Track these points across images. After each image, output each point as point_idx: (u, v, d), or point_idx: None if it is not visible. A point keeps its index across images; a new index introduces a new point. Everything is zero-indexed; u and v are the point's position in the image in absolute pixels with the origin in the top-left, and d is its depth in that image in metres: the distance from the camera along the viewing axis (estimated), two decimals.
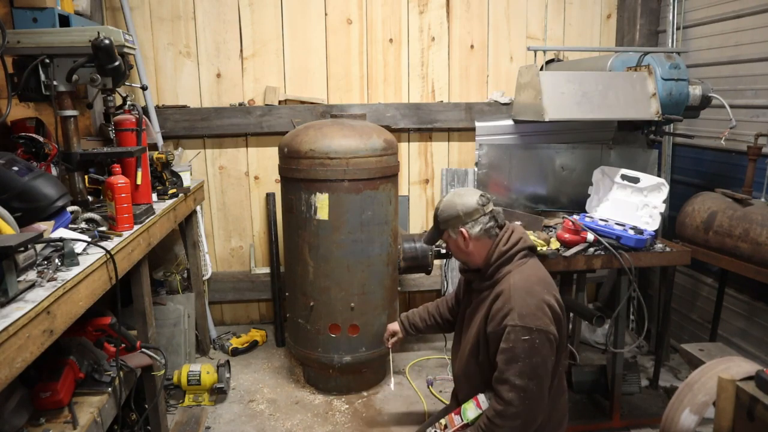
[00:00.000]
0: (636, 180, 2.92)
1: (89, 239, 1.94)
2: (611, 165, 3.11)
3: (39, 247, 1.74)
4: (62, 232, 1.93)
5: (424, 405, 3.11)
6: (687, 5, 3.55)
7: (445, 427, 2.13)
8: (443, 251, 3.25)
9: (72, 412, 1.87)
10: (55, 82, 2.23)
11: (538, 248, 2.56)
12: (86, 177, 2.51)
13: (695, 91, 3.00)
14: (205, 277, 3.76)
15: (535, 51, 3.15)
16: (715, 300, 3.13)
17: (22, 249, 1.54)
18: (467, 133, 3.98)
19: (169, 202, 2.79)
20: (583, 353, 3.58)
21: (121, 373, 2.11)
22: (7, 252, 1.42)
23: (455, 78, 3.99)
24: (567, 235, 2.70)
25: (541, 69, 3.24)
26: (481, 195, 2.05)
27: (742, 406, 1.56)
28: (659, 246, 2.78)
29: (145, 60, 3.66)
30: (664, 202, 2.84)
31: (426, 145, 4.06)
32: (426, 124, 3.93)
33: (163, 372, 2.44)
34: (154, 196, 2.78)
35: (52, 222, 1.93)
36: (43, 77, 2.22)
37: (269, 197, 3.91)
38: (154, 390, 2.48)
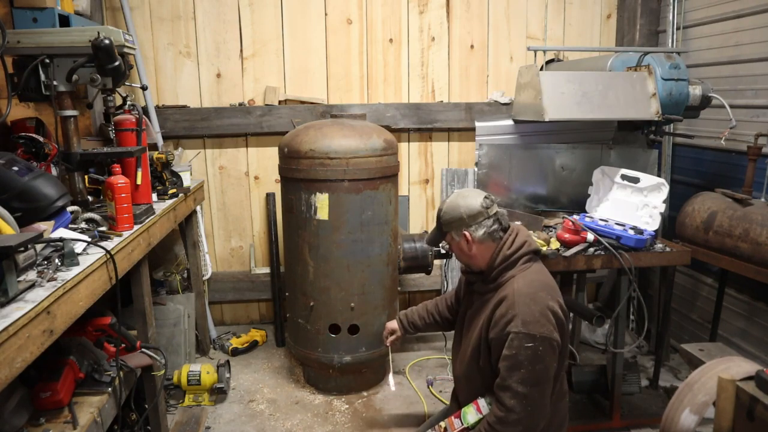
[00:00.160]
0: (636, 180, 2.91)
1: (89, 239, 1.94)
2: (611, 165, 3.11)
3: (39, 247, 1.74)
4: (62, 232, 1.93)
5: (424, 405, 3.11)
6: (687, 5, 3.55)
7: (445, 429, 2.12)
8: (443, 251, 3.25)
9: (72, 412, 1.87)
10: (55, 82, 2.23)
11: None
12: (86, 177, 2.51)
13: (695, 91, 3.00)
14: (205, 277, 3.76)
15: (535, 51, 3.15)
16: (715, 300, 3.13)
17: (22, 249, 1.54)
18: (467, 133, 3.98)
19: (169, 202, 2.79)
20: (583, 353, 3.58)
21: (121, 373, 2.11)
22: (7, 252, 1.42)
23: (455, 78, 3.99)
24: (567, 235, 2.70)
25: (541, 69, 3.24)
26: (486, 197, 2.00)
27: (742, 406, 1.56)
28: (659, 246, 2.78)
29: (145, 60, 3.66)
30: (664, 202, 2.84)
31: (426, 145, 4.06)
32: (426, 124, 3.93)
33: (163, 372, 2.44)
34: (154, 196, 2.78)
35: (52, 222, 1.93)
36: (43, 77, 2.22)
37: (269, 197, 3.91)
38: (154, 390, 2.48)
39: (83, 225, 2.15)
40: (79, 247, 1.84)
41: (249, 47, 3.78)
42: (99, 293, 1.84)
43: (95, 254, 1.86)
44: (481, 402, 2.00)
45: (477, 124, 3.28)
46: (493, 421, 1.88)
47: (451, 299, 2.44)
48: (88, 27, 2.48)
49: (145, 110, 3.41)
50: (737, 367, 1.95)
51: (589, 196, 3.12)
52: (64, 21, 2.62)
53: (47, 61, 2.20)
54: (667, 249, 2.76)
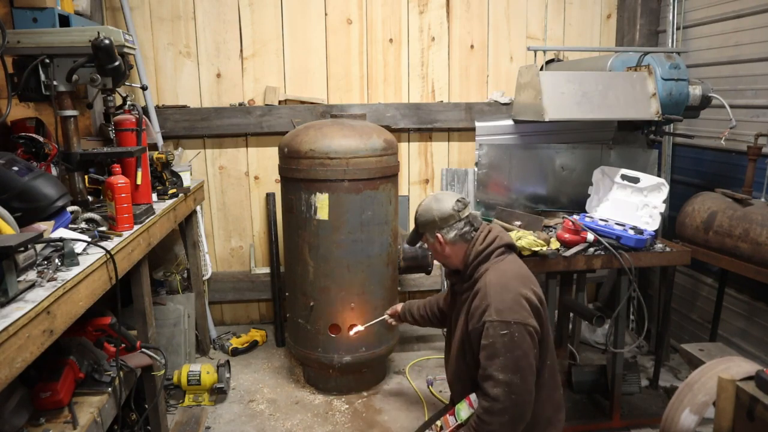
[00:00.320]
0: (636, 180, 2.92)
1: (89, 239, 1.94)
2: (611, 165, 3.11)
3: (39, 247, 1.74)
4: (62, 232, 1.93)
5: (424, 405, 3.11)
6: (687, 5, 3.55)
7: (441, 428, 2.14)
8: None
9: (72, 412, 1.87)
10: (55, 82, 2.23)
11: (538, 248, 2.56)
12: (86, 177, 2.51)
13: (695, 91, 3.00)
14: (205, 277, 3.76)
15: (535, 51, 3.15)
16: (715, 300, 3.13)
17: (22, 249, 1.54)
18: (467, 133, 3.98)
19: (169, 202, 2.79)
20: (583, 353, 3.58)
21: (121, 373, 2.11)
22: (7, 252, 1.42)
23: (455, 78, 3.99)
24: (567, 235, 2.70)
25: (541, 69, 3.24)
26: (458, 200, 2.09)
27: (742, 406, 1.56)
28: (659, 246, 2.78)
29: (145, 60, 3.66)
30: (664, 202, 2.84)
31: (426, 145, 4.06)
32: (426, 124, 3.93)
33: (163, 372, 2.44)
34: (154, 196, 2.78)
35: (52, 222, 1.93)
36: (43, 77, 2.22)
37: (269, 197, 3.91)
38: (154, 390, 2.48)
39: (83, 225, 2.15)
40: (79, 247, 1.84)
41: (249, 47, 3.78)
42: (99, 293, 1.84)
43: (95, 254, 1.86)
44: (473, 397, 2.02)
45: (477, 124, 3.29)
46: (480, 413, 1.91)
47: (446, 298, 2.47)
48: (88, 27, 2.48)
49: (145, 110, 3.41)
50: (737, 367, 1.95)
51: (589, 196, 3.12)
52: (64, 21, 2.62)
53: (47, 61, 2.20)
54: (667, 249, 2.76)
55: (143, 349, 2.28)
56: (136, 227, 2.21)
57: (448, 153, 4.09)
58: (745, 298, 3.12)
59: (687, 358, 2.92)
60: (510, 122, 3.28)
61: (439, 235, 2.08)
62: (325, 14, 3.80)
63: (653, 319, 3.58)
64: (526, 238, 2.59)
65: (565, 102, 2.81)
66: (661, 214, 2.85)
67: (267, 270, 4.02)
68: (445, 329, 2.66)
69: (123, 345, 2.19)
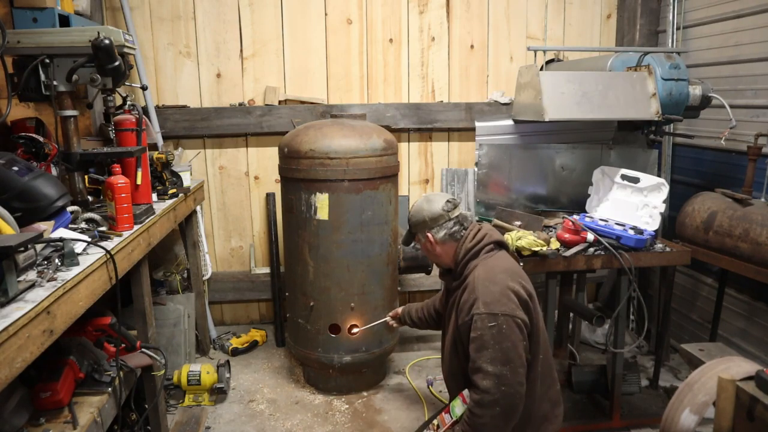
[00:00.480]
0: (636, 180, 2.92)
1: (89, 239, 1.94)
2: (611, 165, 3.11)
3: (39, 247, 1.74)
4: (62, 232, 1.93)
5: (424, 405, 3.11)
6: (687, 5, 3.55)
7: (438, 427, 2.14)
8: None
9: (72, 412, 1.87)
10: (55, 82, 2.23)
11: (538, 248, 2.56)
12: (86, 177, 2.51)
13: (695, 91, 3.00)
14: (205, 277, 3.76)
15: (535, 51, 3.15)
16: (715, 300, 3.13)
17: (22, 249, 1.54)
18: (467, 133, 3.98)
19: (169, 202, 2.79)
20: (583, 353, 3.58)
21: (121, 373, 2.11)
22: (7, 252, 1.42)
23: (455, 78, 3.99)
24: (567, 235, 2.70)
25: (541, 69, 3.24)
26: (448, 201, 2.13)
27: (742, 406, 1.56)
28: (659, 246, 2.78)
29: (145, 60, 3.66)
30: (664, 202, 2.84)
31: (426, 145, 4.06)
32: (426, 124, 3.93)
33: (163, 372, 2.44)
34: (154, 196, 2.78)
35: (52, 222, 1.93)
36: (43, 77, 2.22)
37: (269, 197, 3.91)
38: (154, 390, 2.48)
39: (83, 225, 2.15)
40: (79, 247, 1.84)
41: (249, 47, 3.78)
42: (99, 293, 1.84)
43: (95, 254, 1.86)
44: (467, 393, 2.03)
45: (477, 124, 3.29)
46: (472, 406, 1.92)
47: (442, 298, 2.48)
48: (88, 27, 2.48)
49: (145, 110, 3.41)
50: (737, 367, 1.95)
51: (589, 196, 3.12)
52: (64, 21, 2.62)
53: (47, 61, 2.20)
54: (667, 249, 2.76)
55: (143, 349, 2.28)
56: (136, 227, 2.21)
57: (448, 153, 4.09)
58: (745, 298, 3.12)
59: (687, 358, 2.92)
60: (510, 122, 3.28)
61: (429, 234, 2.13)
62: (325, 14, 3.80)
63: (653, 319, 3.57)
64: (526, 238, 2.59)
65: (565, 102, 2.81)
66: (661, 214, 2.85)
67: (267, 270, 4.02)
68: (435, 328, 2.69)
69: (123, 345, 2.19)
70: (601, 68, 3.18)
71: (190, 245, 3.51)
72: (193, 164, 3.67)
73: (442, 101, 3.99)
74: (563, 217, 2.88)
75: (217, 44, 3.76)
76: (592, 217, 2.92)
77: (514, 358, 1.88)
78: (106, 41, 2.11)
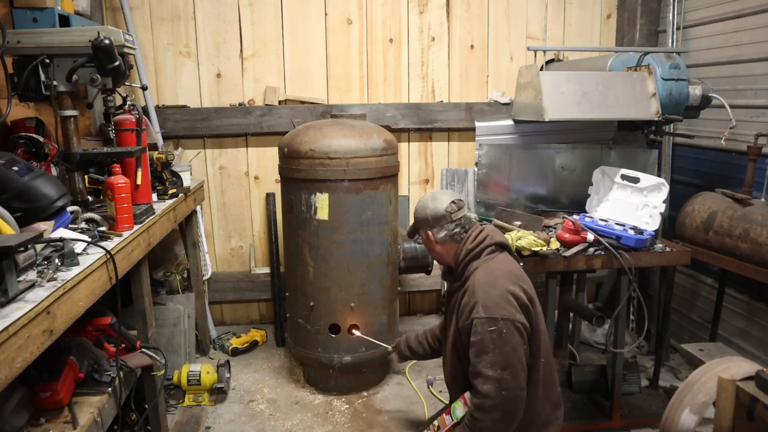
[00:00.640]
0: (636, 180, 2.92)
1: (89, 239, 1.94)
2: (611, 165, 3.11)
3: (39, 247, 1.74)
4: (62, 232, 1.93)
5: (424, 405, 3.11)
6: (687, 5, 3.55)
7: (438, 428, 2.14)
8: None
9: (72, 412, 1.87)
10: (55, 82, 2.23)
11: (538, 249, 2.56)
12: (86, 177, 2.51)
13: (695, 91, 3.00)
14: (205, 277, 3.76)
15: (535, 51, 3.15)
16: (715, 300, 3.13)
17: (22, 249, 1.54)
18: (467, 133, 3.98)
19: (169, 202, 2.79)
20: (583, 353, 3.58)
21: (121, 373, 2.11)
22: (7, 252, 1.42)
23: (455, 78, 3.99)
24: (567, 235, 2.70)
25: (541, 69, 3.24)
26: (452, 201, 2.10)
27: (742, 406, 1.56)
28: (659, 246, 2.78)
29: (145, 60, 3.66)
30: (664, 202, 2.84)
31: (426, 145, 4.06)
32: (426, 124, 3.93)
33: (163, 372, 2.44)
34: (154, 196, 2.78)
35: (52, 222, 1.93)
36: (43, 77, 2.22)
37: (269, 197, 3.91)
38: (154, 390, 2.48)
39: (83, 225, 2.15)
40: (79, 247, 1.84)
41: (249, 47, 3.78)
42: (99, 293, 1.84)
43: (95, 254, 1.86)
44: (468, 395, 2.03)
45: (477, 124, 3.29)
46: (472, 411, 1.92)
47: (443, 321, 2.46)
48: (88, 27, 2.48)
49: (145, 110, 3.41)
50: (737, 367, 1.95)
51: (589, 196, 3.12)
52: (64, 21, 2.62)
53: (47, 61, 2.20)
54: (667, 249, 2.76)
55: (143, 349, 2.28)
56: (136, 227, 2.21)
57: (448, 153, 4.09)
58: (745, 298, 3.12)
59: (687, 358, 2.92)
60: (510, 122, 3.28)
61: (430, 233, 2.13)
62: (325, 14, 3.80)
63: (653, 319, 3.57)
64: (526, 238, 2.59)
65: (565, 102, 2.81)
66: (661, 214, 2.85)
67: (267, 270, 4.02)
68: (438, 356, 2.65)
69: (123, 345, 2.19)
70: (601, 68, 3.18)
71: (190, 245, 3.51)
72: (193, 164, 3.67)
73: (442, 101, 3.99)
74: (563, 217, 2.88)
75: (217, 44, 3.76)
76: (592, 217, 2.92)
77: (514, 362, 1.87)
78: (106, 41, 2.11)
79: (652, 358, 3.44)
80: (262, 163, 3.94)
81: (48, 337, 1.48)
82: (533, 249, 2.56)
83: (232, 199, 3.98)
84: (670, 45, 3.61)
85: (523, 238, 2.59)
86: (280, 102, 3.84)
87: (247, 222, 4.02)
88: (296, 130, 3.10)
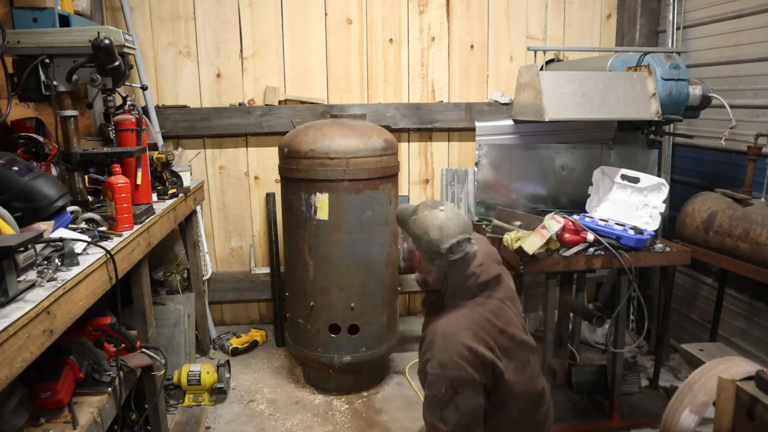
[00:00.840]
0: (636, 180, 2.91)
1: (89, 239, 1.94)
2: (611, 165, 3.11)
3: (39, 247, 1.74)
4: (62, 232, 1.93)
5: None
6: (687, 5, 3.55)
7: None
8: None
9: (72, 412, 1.87)
10: (55, 82, 2.23)
11: (536, 250, 2.55)
12: (86, 177, 2.51)
13: (695, 91, 3.00)
14: (205, 277, 3.76)
15: (535, 51, 3.15)
16: (715, 300, 3.13)
17: (22, 249, 1.54)
18: (467, 133, 3.98)
19: (169, 202, 2.79)
20: (583, 353, 3.58)
21: (121, 373, 2.11)
22: (7, 252, 1.42)
23: (455, 78, 3.99)
24: (567, 235, 2.69)
25: (541, 69, 3.24)
26: (459, 242, 1.77)
27: (742, 406, 1.56)
28: (659, 246, 2.78)
29: (145, 60, 3.66)
30: (664, 202, 2.84)
31: (426, 145, 4.06)
32: (426, 124, 3.93)
33: (163, 372, 2.44)
34: (154, 196, 2.78)
35: (52, 222, 1.93)
36: (43, 77, 2.22)
37: (269, 197, 3.91)
38: (154, 390, 2.48)
39: (83, 225, 2.15)
40: (79, 247, 1.84)
41: (249, 47, 3.78)
42: (99, 293, 1.84)
43: (95, 254, 1.86)
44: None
45: (477, 124, 3.29)
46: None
47: None
48: (88, 27, 2.48)
49: (145, 110, 3.41)
50: (737, 367, 1.95)
51: (589, 196, 3.12)
52: (64, 21, 2.62)
53: (47, 61, 2.20)
54: (667, 249, 2.76)
55: (143, 349, 2.28)
56: (136, 227, 2.21)
57: (448, 153, 4.09)
58: (745, 298, 3.12)
59: (687, 358, 2.92)
60: (510, 122, 3.28)
61: (417, 253, 1.88)
62: (325, 14, 3.80)
63: (653, 319, 3.57)
64: (526, 239, 2.58)
65: (565, 102, 2.81)
66: (661, 214, 2.85)
67: (267, 270, 4.02)
68: None
69: (123, 345, 2.19)
70: (601, 68, 3.18)
71: (190, 245, 3.51)
72: (193, 164, 3.67)
73: (442, 101, 3.99)
74: (564, 217, 2.87)
75: (217, 44, 3.76)
76: (592, 217, 2.92)
77: (468, 421, 1.79)
78: (106, 41, 2.11)
79: (652, 358, 3.44)
80: (262, 163, 3.94)
81: (48, 337, 1.48)
82: (533, 251, 2.55)
83: (232, 199, 3.98)
84: (670, 45, 3.61)
85: (523, 238, 2.59)
86: (280, 102, 3.84)
87: (247, 222, 4.02)
88: (296, 130, 3.10)
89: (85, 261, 1.79)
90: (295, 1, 3.75)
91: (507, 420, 1.89)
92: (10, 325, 1.31)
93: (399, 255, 3.24)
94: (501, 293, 1.90)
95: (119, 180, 2.10)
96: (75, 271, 1.70)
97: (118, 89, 2.34)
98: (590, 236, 2.68)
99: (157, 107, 3.67)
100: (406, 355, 3.70)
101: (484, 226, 3.11)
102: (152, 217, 2.43)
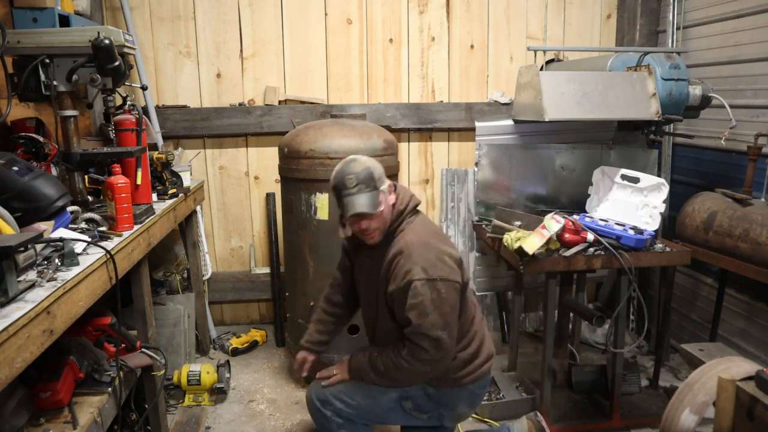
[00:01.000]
0: (636, 180, 2.92)
1: (89, 239, 1.94)
2: (611, 165, 3.11)
3: (39, 247, 1.74)
4: (62, 232, 1.93)
5: None
6: (687, 5, 3.55)
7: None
8: None
9: (72, 412, 1.87)
10: (55, 82, 2.23)
11: (536, 250, 2.55)
12: (86, 177, 2.51)
13: (695, 91, 3.00)
14: (205, 277, 3.76)
15: (535, 51, 3.15)
16: (715, 300, 3.13)
17: (22, 249, 1.54)
18: (467, 133, 3.98)
19: (169, 202, 2.79)
20: (583, 353, 3.58)
21: (121, 373, 2.11)
22: (7, 252, 1.42)
23: (455, 78, 3.99)
24: (567, 235, 2.69)
25: (541, 69, 3.24)
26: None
27: (742, 406, 1.56)
28: (659, 246, 2.78)
29: (145, 60, 3.66)
30: (664, 202, 2.84)
31: (426, 145, 4.06)
32: (426, 124, 3.93)
33: (163, 372, 2.44)
34: (154, 196, 2.78)
35: (52, 222, 1.93)
36: (43, 77, 2.22)
37: (269, 197, 3.91)
38: (154, 390, 2.48)
39: (83, 225, 2.15)
40: (79, 247, 1.84)
41: (249, 47, 3.78)
42: (99, 293, 1.84)
43: (95, 254, 1.86)
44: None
45: (477, 124, 3.28)
46: (405, 353, 1.96)
47: (339, 280, 2.40)
48: (88, 27, 2.48)
49: (145, 110, 3.41)
50: (737, 367, 1.95)
51: (589, 196, 3.12)
52: (64, 21, 2.62)
53: (47, 61, 2.20)
54: (667, 249, 2.76)
55: (143, 349, 2.28)
56: (136, 227, 2.21)
57: (448, 153, 4.09)
58: (745, 298, 3.12)
59: (687, 358, 2.92)
60: (510, 122, 3.28)
61: (385, 189, 2.06)
62: (325, 14, 3.80)
63: (653, 319, 3.57)
64: (526, 239, 2.59)
65: (565, 102, 2.81)
66: (661, 214, 2.85)
67: (267, 270, 4.02)
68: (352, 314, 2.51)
69: (123, 345, 2.19)
70: (601, 68, 3.18)
71: (190, 245, 3.51)
72: (193, 164, 3.67)
73: (442, 101, 3.99)
74: (564, 217, 2.87)
75: (217, 44, 3.76)
76: (592, 217, 2.92)
77: (451, 322, 1.95)
78: (106, 41, 2.11)
79: (652, 358, 3.44)
80: (262, 163, 3.94)
81: (48, 337, 1.48)
82: (533, 251, 2.55)
83: (232, 199, 3.98)
84: (670, 45, 3.61)
85: (523, 238, 2.59)
86: (280, 102, 3.84)
87: (247, 222, 4.02)
88: (296, 130, 3.10)
89: (85, 261, 1.78)
90: (295, 1, 3.75)
91: (470, 321, 2.12)
92: (10, 325, 1.30)
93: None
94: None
95: (119, 180, 2.10)
96: (75, 271, 1.70)
97: (118, 89, 2.34)
98: (590, 236, 2.68)
99: (157, 107, 3.67)
100: None
101: (484, 226, 3.11)
102: (152, 217, 2.43)
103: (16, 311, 1.37)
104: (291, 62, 3.83)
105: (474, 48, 3.97)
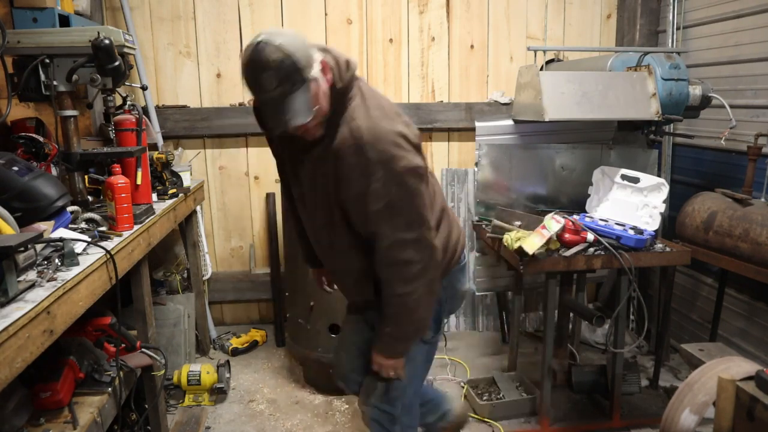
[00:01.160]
0: (636, 180, 2.92)
1: (89, 239, 1.94)
2: (611, 165, 3.11)
3: (39, 247, 1.74)
4: (62, 232, 1.93)
5: None
6: (687, 5, 3.55)
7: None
8: None
9: (72, 412, 1.87)
10: (55, 82, 2.23)
11: (536, 250, 2.55)
12: (86, 177, 2.51)
13: (695, 91, 3.00)
14: (205, 277, 3.76)
15: (535, 51, 3.15)
16: (715, 300, 3.13)
17: (22, 249, 1.54)
18: (467, 133, 3.98)
19: (169, 202, 2.79)
20: (583, 353, 3.58)
21: (121, 373, 2.11)
22: (7, 252, 1.42)
23: (455, 78, 3.99)
24: (567, 235, 2.69)
25: (541, 69, 3.24)
26: (316, 48, 1.71)
27: (742, 406, 1.56)
28: (659, 246, 2.78)
29: (145, 60, 3.66)
30: (664, 202, 2.84)
31: (426, 145, 4.06)
32: (426, 124, 3.93)
33: (163, 372, 2.44)
34: (154, 196, 2.78)
35: (52, 222, 1.93)
36: (43, 77, 2.22)
37: (269, 197, 3.91)
38: (154, 390, 2.48)
39: (83, 225, 2.15)
40: (79, 247, 1.84)
41: None
42: (99, 293, 1.84)
43: (95, 254, 1.86)
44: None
45: (477, 124, 3.28)
46: (398, 288, 1.67)
47: (294, 213, 2.14)
48: (88, 27, 2.48)
49: (145, 110, 3.41)
50: (737, 367, 1.95)
51: (589, 196, 3.12)
52: (64, 21, 2.62)
53: (47, 61, 2.20)
54: (667, 249, 2.76)
55: (143, 349, 2.28)
56: (136, 227, 2.21)
57: (448, 153, 4.09)
58: (745, 298, 3.12)
59: (687, 358, 2.92)
60: (510, 122, 3.28)
61: (318, 57, 1.68)
62: (325, 14, 3.80)
63: (653, 319, 3.58)
64: (526, 239, 2.58)
65: (565, 102, 2.81)
66: (661, 214, 2.85)
67: (267, 270, 4.02)
68: None
69: (123, 345, 2.19)
70: (601, 68, 3.18)
71: (190, 245, 3.51)
72: (193, 164, 3.66)
73: (442, 101, 3.99)
74: (564, 217, 2.87)
75: (217, 44, 3.76)
76: (592, 217, 2.92)
77: (426, 215, 1.64)
78: (106, 41, 2.11)
79: (652, 358, 3.44)
80: (262, 163, 3.94)
81: (48, 337, 1.48)
82: (533, 251, 2.55)
83: (232, 199, 3.98)
84: (670, 45, 3.61)
85: (523, 238, 2.59)
86: None
87: (247, 222, 4.02)
88: None
89: (85, 261, 1.78)
90: (295, 1, 3.75)
91: (439, 207, 1.83)
92: (9, 325, 1.30)
93: None
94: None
95: (119, 180, 2.10)
96: (75, 271, 1.70)
97: (118, 89, 2.34)
98: (590, 236, 2.68)
99: (157, 107, 3.67)
100: None
101: (484, 226, 3.11)
102: (152, 217, 2.43)
103: (16, 311, 1.37)
104: None
105: (474, 48, 3.97)
